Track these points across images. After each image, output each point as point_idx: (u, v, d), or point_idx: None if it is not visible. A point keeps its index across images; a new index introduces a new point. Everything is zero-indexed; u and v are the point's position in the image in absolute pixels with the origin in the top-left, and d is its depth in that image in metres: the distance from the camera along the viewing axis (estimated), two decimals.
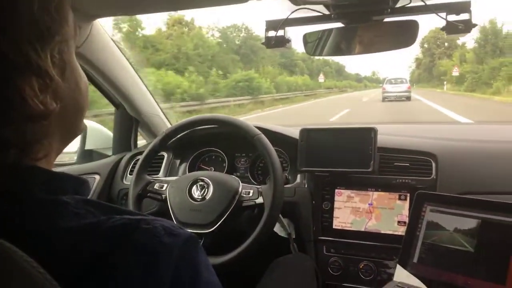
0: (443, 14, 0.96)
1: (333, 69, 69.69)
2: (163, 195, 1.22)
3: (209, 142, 1.55)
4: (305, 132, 1.31)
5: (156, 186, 1.25)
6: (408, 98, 18.96)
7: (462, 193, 1.11)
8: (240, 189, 1.18)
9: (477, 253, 0.93)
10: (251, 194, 1.17)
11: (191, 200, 1.18)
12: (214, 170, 1.53)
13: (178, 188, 1.21)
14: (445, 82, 37.25)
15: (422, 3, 0.96)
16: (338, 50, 1.12)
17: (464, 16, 0.95)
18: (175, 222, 1.16)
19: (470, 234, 0.96)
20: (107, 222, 0.43)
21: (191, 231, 1.15)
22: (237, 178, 1.23)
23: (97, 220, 0.43)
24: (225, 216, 1.13)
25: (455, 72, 29.71)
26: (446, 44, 52.27)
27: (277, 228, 1.32)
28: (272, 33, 1.11)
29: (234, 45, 37.76)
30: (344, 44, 1.12)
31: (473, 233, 0.95)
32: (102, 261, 0.40)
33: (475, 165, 1.18)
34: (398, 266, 1.02)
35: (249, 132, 1.20)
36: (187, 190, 1.20)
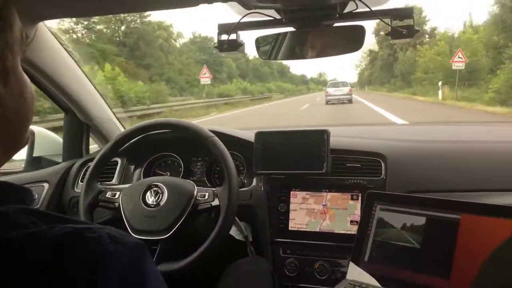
0: (388, 20, 1.00)
1: (274, 70, 64.78)
2: (115, 204, 1.19)
3: (165, 147, 1.53)
4: (260, 135, 1.32)
5: (108, 194, 1.22)
6: (350, 101, 19.80)
7: (409, 191, 1.16)
8: (195, 193, 1.17)
9: (423, 249, 0.97)
10: (206, 197, 1.16)
11: (145, 206, 1.16)
12: (170, 175, 1.51)
13: (131, 195, 1.19)
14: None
15: (368, 9, 0.99)
16: (290, 55, 1.14)
17: (407, 22, 1.00)
18: (129, 230, 1.13)
19: (416, 231, 1.00)
20: (50, 231, 0.41)
21: (146, 238, 1.14)
22: (192, 182, 1.22)
23: (39, 229, 0.42)
24: (181, 221, 1.12)
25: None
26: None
27: (234, 232, 1.32)
28: (224, 37, 1.11)
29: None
30: (296, 48, 1.14)
31: (419, 230, 1.00)
32: (44, 272, 0.39)
33: (421, 165, 1.24)
34: (350, 264, 1.05)
35: (202, 135, 1.19)
36: (140, 196, 1.17)
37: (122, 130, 1.67)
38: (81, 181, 1.49)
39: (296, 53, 1.14)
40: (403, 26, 0.99)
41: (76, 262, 0.41)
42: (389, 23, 1.00)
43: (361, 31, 1.03)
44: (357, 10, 1.03)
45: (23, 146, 0.52)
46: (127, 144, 1.32)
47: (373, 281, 1.01)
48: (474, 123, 2.01)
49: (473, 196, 1.10)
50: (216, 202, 1.15)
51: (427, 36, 40.10)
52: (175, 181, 1.21)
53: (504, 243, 0.87)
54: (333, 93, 20.65)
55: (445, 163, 1.23)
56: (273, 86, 46.74)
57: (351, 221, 1.22)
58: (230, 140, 1.40)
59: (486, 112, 12.36)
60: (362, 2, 0.98)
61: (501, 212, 0.90)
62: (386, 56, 44.96)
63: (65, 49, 1.38)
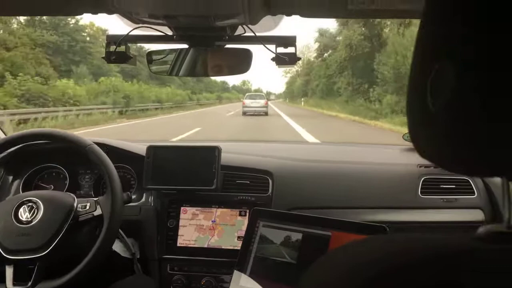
0: (273, 47, 1.06)
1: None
2: None
3: (49, 158, 1.42)
4: (151, 149, 1.30)
5: None
6: (266, 113, 20.38)
7: (291, 208, 1.23)
8: (75, 205, 1.11)
9: (299, 264, 1.03)
10: (88, 207, 1.11)
11: (18, 224, 1.06)
12: (53, 188, 1.41)
13: (2, 213, 1.09)
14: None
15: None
16: (182, 71, 1.14)
17: (290, 50, 1.06)
18: (1, 252, 1.03)
19: (293, 246, 1.06)
20: None
21: (22, 258, 1.04)
22: (72, 194, 1.15)
23: None
24: (60, 236, 1.06)
25: None
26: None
27: (120, 249, 1.27)
28: (113, 48, 1.08)
29: None
30: (188, 66, 1.14)
31: (296, 245, 1.05)
32: None
33: (304, 183, 1.32)
34: (232, 279, 1.07)
35: (80, 144, 1.14)
36: (12, 213, 1.08)
37: (3, 136, 1.53)
38: None
39: (188, 71, 1.14)
40: (287, 53, 1.06)
41: None
42: (274, 50, 1.06)
43: (249, 54, 1.08)
44: (245, 34, 1.08)
45: None
46: (3, 154, 1.21)
47: None
48: (363, 145, 2.20)
49: (345, 212, 1.20)
50: (98, 211, 1.10)
51: None
52: (52, 195, 1.14)
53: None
54: (250, 104, 21.11)
55: (324, 182, 1.33)
56: (165, 94, 29.71)
57: (238, 237, 1.25)
58: (121, 153, 1.36)
59: None
60: (249, 28, 1.03)
61: (364, 229, 1.00)
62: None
63: None
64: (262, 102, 21.41)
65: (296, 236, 1.07)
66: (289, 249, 1.06)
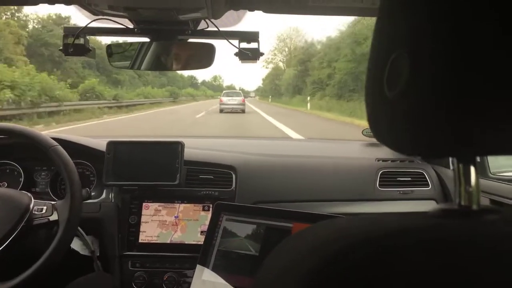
0: (236, 42, 1.07)
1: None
2: None
3: (2, 154, 1.36)
4: (111, 144, 1.27)
5: None
6: (243, 111, 20.36)
7: (255, 202, 1.24)
8: (31, 206, 1.07)
9: (261, 256, 1.05)
10: (44, 211, 1.07)
11: None
12: (7, 186, 1.35)
13: None
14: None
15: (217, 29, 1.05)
16: (143, 65, 1.13)
17: (253, 45, 1.07)
18: None
19: (256, 239, 1.07)
20: None
21: None
22: (28, 194, 1.11)
23: None
24: (11, 237, 1.01)
25: None
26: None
27: (79, 247, 1.24)
28: (70, 40, 1.05)
29: None
30: (150, 59, 1.13)
31: (259, 238, 1.07)
32: None
33: (267, 177, 1.34)
34: (195, 274, 1.07)
35: (43, 143, 1.10)
36: None
37: None
38: None
39: (149, 64, 1.13)
40: (250, 49, 1.07)
41: None
42: (237, 45, 1.07)
43: (211, 48, 1.08)
44: (208, 29, 1.08)
45: None
46: None
47: None
48: (327, 140, 2.25)
49: (307, 205, 1.23)
50: (54, 217, 1.06)
51: None
52: (7, 192, 1.09)
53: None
54: (227, 102, 21.03)
55: (287, 176, 1.35)
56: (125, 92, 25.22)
57: (201, 232, 1.25)
58: (80, 149, 1.32)
59: None
60: (212, 22, 1.03)
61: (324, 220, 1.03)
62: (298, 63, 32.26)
63: None
64: (239, 99, 21.35)
65: (259, 229, 1.08)
66: (252, 241, 1.07)
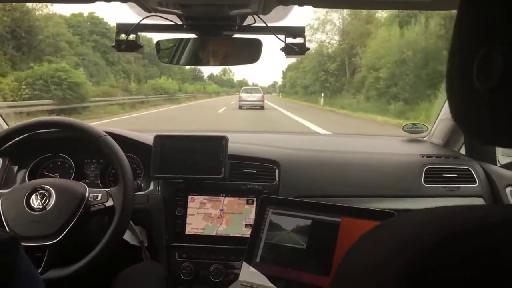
0: (283, 37, 1.07)
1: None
2: None
3: (54, 147, 1.42)
4: (158, 138, 1.31)
5: None
6: (262, 107, 20.08)
7: (298, 196, 1.25)
8: (87, 194, 1.12)
9: (308, 249, 1.06)
10: (99, 198, 1.12)
11: (30, 211, 1.07)
12: (59, 177, 1.41)
13: (14, 200, 1.09)
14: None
15: (264, 24, 1.05)
16: (190, 61, 1.15)
17: (299, 40, 1.08)
18: None
19: (303, 232, 1.08)
20: None
21: (32, 244, 1.05)
22: (83, 183, 1.16)
23: None
24: (71, 224, 1.07)
25: None
26: None
27: (129, 237, 1.28)
28: (123, 37, 1.09)
29: None
30: (197, 55, 1.15)
31: (305, 231, 1.08)
32: None
33: (311, 172, 1.34)
34: (243, 266, 1.09)
35: (94, 134, 1.15)
36: (24, 201, 1.08)
37: (5, 127, 1.52)
38: None
39: (196, 60, 1.15)
40: (296, 44, 1.07)
41: None
42: (284, 40, 1.07)
43: (258, 44, 1.09)
44: (255, 24, 1.09)
45: None
46: (8, 144, 1.20)
47: (264, 281, 1.06)
48: (366, 136, 2.23)
49: (352, 201, 1.23)
50: (110, 203, 1.11)
51: None
52: (64, 183, 1.14)
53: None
54: (246, 98, 20.95)
55: (331, 171, 1.35)
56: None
57: (246, 225, 1.27)
58: (127, 143, 1.36)
59: None
60: (260, 18, 1.04)
61: (373, 215, 1.03)
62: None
63: None
64: (258, 96, 21.26)
65: (305, 223, 1.09)
66: (299, 235, 1.08)
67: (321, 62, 26.17)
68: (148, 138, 1.36)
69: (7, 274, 0.44)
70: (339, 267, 0.36)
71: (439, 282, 0.27)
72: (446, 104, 1.50)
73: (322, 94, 23.25)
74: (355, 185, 1.32)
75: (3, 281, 0.43)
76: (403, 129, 1.70)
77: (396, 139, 1.75)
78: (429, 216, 0.35)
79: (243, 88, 25.58)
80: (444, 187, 1.34)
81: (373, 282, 0.30)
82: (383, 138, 1.98)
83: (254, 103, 20.29)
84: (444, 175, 1.36)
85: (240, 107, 19.78)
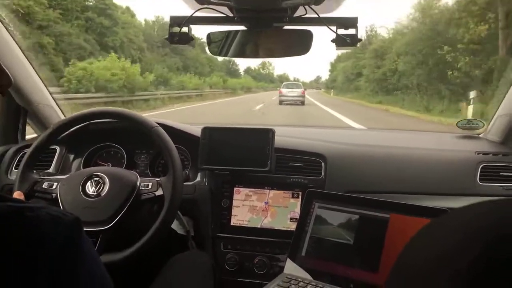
0: (334, 28, 1.05)
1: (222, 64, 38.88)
2: (53, 194, 1.15)
3: (107, 137, 1.48)
4: (206, 130, 1.33)
5: (45, 185, 1.17)
6: (302, 103, 19.70)
7: (345, 191, 1.22)
8: (138, 183, 1.15)
9: (356, 245, 1.04)
10: (150, 187, 1.16)
11: (85, 197, 1.12)
12: (112, 166, 1.47)
13: (70, 186, 1.15)
14: None
15: (316, 16, 1.04)
16: (240, 53, 1.16)
17: (351, 31, 1.05)
18: None
19: (350, 228, 1.06)
20: None
21: (86, 229, 1.10)
22: (135, 172, 1.20)
23: None
24: (123, 211, 1.11)
25: None
26: None
27: (176, 226, 1.31)
28: (176, 29, 1.11)
29: None
30: (247, 47, 1.16)
31: (353, 227, 1.06)
32: None
33: (359, 167, 1.31)
34: (288, 259, 1.09)
35: (146, 124, 1.18)
36: (80, 187, 1.14)
37: (63, 117, 1.60)
38: (15, 169, 1.42)
39: (246, 52, 1.16)
40: (348, 35, 1.05)
41: (14, 241, 0.41)
42: (335, 31, 1.05)
43: (309, 35, 1.07)
44: (306, 15, 1.08)
45: None
46: (66, 133, 1.27)
47: (307, 276, 1.05)
48: (416, 132, 2.15)
49: (402, 197, 1.18)
50: (160, 192, 1.14)
51: None
52: (117, 171, 1.18)
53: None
54: (286, 94, 20.78)
55: (380, 166, 1.31)
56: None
57: (291, 218, 1.27)
58: (176, 134, 1.39)
59: None
60: (311, 9, 1.03)
61: (425, 213, 0.99)
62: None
63: (6, 29, 1.30)
64: (299, 91, 21.05)
65: (353, 218, 1.07)
66: (346, 230, 1.06)
67: (441, 32, 14.98)
68: (196, 130, 1.38)
69: (73, 251, 0.46)
70: (399, 262, 0.35)
71: None
72: (505, 99, 1.41)
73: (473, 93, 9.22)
74: (405, 181, 1.27)
75: (70, 257, 0.45)
76: (457, 125, 1.63)
77: (449, 135, 1.68)
78: (494, 206, 0.34)
79: (283, 83, 25.45)
80: (501, 186, 1.26)
81: (446, 273, 0.29)
82: (436, 134, 1.90)
83: (295, 98, 20.05)
84: (501, 173, 1.28)
85: (280, 103, 19.63)
